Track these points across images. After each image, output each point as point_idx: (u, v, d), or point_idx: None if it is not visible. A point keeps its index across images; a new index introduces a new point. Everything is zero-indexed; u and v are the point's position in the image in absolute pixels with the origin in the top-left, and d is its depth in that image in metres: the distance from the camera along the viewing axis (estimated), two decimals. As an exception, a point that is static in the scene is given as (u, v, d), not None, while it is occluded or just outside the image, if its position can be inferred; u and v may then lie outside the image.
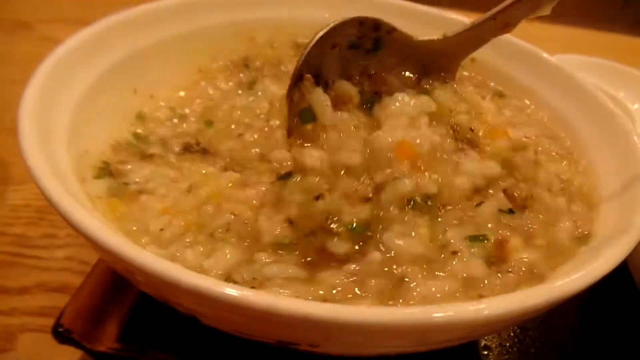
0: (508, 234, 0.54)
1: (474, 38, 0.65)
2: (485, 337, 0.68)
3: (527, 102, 0.79)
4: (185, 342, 0.57)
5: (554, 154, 0.70)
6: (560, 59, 1.20)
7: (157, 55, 0.75)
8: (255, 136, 0.69)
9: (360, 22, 0.63)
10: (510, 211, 0.57)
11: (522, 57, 0.78)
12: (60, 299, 0.68)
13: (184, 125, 0.71)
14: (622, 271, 0.75)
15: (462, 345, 0.55)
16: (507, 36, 0.80)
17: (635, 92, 1.19)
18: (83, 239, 0.43)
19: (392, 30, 0.65)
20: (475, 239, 0.53)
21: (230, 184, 0.60)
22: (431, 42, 0.66)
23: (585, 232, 0.58)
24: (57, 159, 0.52)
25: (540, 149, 0.69)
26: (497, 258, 0.52)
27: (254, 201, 0.57)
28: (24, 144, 0.48)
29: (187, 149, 0.67)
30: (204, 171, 0.63)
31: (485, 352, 0.66)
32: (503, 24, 0.61)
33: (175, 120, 0.71)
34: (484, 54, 0.81)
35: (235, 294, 0.32)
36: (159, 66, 0.74)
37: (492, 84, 0.83)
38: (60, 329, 0.55)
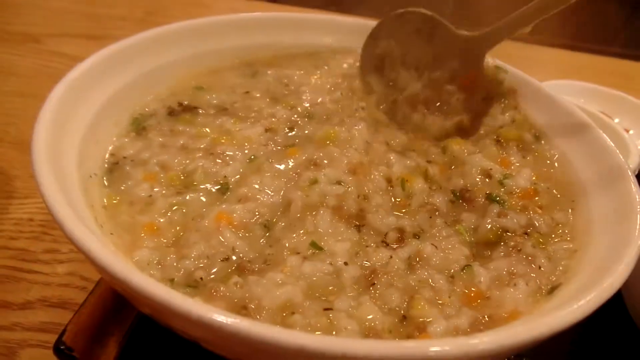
0: None
1: (497, 34, 0.73)
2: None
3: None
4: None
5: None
6: (555, 84, 1.23)
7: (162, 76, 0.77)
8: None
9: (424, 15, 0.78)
10: None
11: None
12: (61, 314, 0.69)
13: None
14: (616, 301, 0.76)
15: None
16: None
17: (629, 116, 1.22)
18: (89, 261, 0.44)
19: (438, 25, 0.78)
20: None
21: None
22: (470, 37, 0.75)
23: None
24: (67, 178, 0.53)
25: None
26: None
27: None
28: (36, 164, 0.49)
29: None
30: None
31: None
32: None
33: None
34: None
35: (242, 326, 0.33)
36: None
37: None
38: (62, 347, 0.56)
